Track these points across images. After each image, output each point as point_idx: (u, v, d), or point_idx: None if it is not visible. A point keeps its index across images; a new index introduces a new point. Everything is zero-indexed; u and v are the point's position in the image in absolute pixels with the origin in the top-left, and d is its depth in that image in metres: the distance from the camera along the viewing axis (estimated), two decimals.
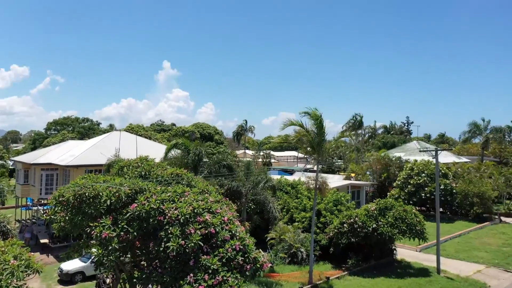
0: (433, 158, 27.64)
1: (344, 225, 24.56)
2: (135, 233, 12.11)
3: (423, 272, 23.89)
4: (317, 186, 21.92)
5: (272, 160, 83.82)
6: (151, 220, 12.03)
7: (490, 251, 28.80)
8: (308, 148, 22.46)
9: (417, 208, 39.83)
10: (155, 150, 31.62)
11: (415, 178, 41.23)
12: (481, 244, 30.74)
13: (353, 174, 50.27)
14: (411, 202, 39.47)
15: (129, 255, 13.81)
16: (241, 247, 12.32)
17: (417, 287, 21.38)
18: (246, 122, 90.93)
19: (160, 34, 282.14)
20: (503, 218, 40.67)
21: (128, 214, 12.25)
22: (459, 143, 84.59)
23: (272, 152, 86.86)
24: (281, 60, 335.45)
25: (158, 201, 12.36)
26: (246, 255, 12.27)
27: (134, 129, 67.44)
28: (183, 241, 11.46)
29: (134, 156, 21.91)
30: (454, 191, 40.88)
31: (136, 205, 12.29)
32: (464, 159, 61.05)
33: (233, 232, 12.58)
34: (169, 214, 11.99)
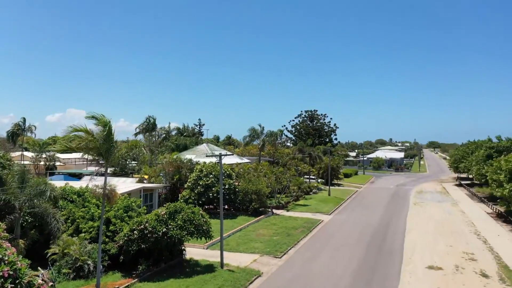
0: (218, 161, 30.29)
1: (135, 231, 24.38)
2: None
3: (209, 268, 25.87)
4: (105, 193, 21.07)
5: (58, 163, 75.85)
6: None
7: (263, 241, 33.35)
8: (97, 153, 21.33)
9: (206, 207, 42.93)
10: None
11: (204, 179, 44.15)
12: (257, 236, 35.31)
13: (146, 177, 50.21)
14: (200, 201, 42.25)
15: None
16: (11, 272, 10.91)
17: (203, 284, 22.98)
18: (25, 120, 79.32)
19: None
20: (274, 211, 47.75)
21: None
22: (242, 145, 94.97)
23: (57, 154, 78.39)
24: (70, 54, 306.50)
25: None
26: (17, 281, 10.95)
27: None
28: None
29: None
30: (237, 189, 45.60)
31: None
32: (245, 160, 68.91)
33: (1, 256, 11.04)
34: None
